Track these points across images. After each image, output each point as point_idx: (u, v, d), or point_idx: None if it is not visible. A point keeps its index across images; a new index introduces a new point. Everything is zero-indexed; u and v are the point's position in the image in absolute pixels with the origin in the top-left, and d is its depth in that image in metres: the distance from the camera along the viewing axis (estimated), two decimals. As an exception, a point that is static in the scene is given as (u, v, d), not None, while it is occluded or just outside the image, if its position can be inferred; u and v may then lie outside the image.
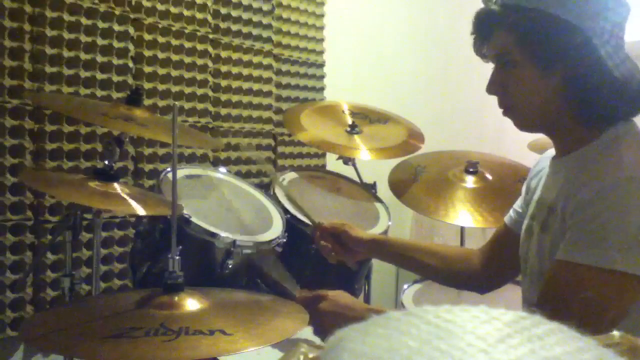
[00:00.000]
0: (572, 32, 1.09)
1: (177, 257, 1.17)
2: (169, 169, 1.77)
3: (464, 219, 2.04)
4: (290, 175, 2.14)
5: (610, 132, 1.14)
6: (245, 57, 2.45)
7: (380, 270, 3.21)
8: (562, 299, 1.08)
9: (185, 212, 1.59)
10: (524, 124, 1.23)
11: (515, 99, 1.20)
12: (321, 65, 2.84)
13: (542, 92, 1.16)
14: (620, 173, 1.07)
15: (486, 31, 1.20)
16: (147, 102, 2.07)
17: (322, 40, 2.84)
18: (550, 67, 1.13)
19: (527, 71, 1.15)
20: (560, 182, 1.18)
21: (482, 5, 1.21)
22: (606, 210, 1.05)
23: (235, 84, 2.42)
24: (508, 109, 1.23)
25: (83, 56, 1.90)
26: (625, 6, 1.12)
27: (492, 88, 1.22)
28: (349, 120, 2.31)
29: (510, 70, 1.18)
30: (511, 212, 1.46)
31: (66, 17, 1.85)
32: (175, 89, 2.18)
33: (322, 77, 2.85)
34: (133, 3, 2.04)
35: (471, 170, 2.14)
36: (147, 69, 2.10)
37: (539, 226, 1.22)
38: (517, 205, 1.44)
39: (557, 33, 1.10)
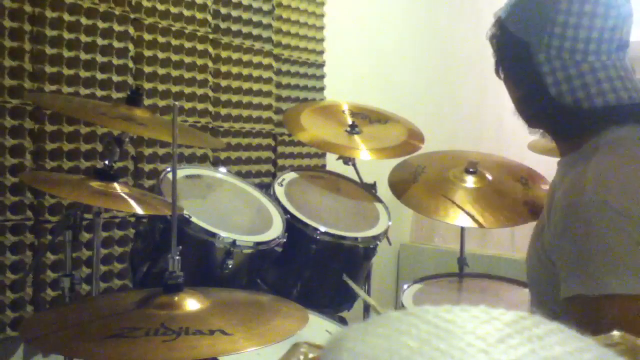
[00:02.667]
0: (517, 45, 1.13)
1: (177, 257, 1.17)
2: (169, 169, 1.77)
3: (464, 219, 2.04)
4: (290, 175, 2.14)
5: (590, 142, 1.13)
6: (245, 57, 2.45)
7: (380, 270, 3.22)
8: (590, 333, 1.05)
9: (185, 212, 1.59)
10: (525, 124, 1.27)
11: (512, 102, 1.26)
12: (321, 65, 2.84)
13: (515, 102, 1.23)
14: (579, 197, 1.05)
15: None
16: (147, 102, 2.07)
17: (322, 40, 2.84)
18: (511, 79, 1.20)
19: (504, 80, 1.23)
20: (553, 185, 1.21)
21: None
22: (576, 235, 1.04)
23: (235, 84, 2.42)
24: None
25: (83, 56, 1.90)
26: (600, 18, 1.08)
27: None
28: (349, 120, 2.31)
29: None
30: None
31: (66, 17, 1.85)
32: (175, 89, 2.18)
33: (322, 77, 2.85)
34: (133, 3, 2.04)
35: (471, 170, 2.13)
36: (147, 69, 2.10)
37: (535, 230, 1.23)
38: None
39: (508, 47, 1.17)
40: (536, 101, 1.15)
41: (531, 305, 1.29)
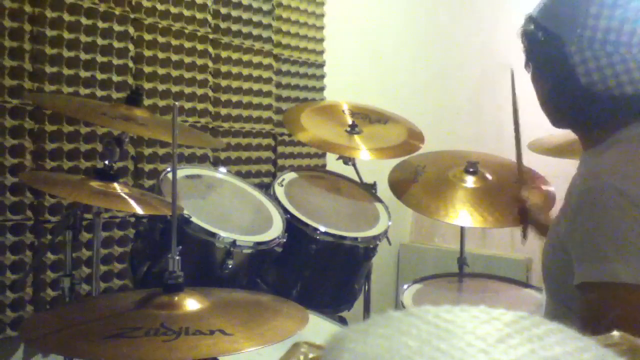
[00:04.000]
0: (549, 39, 1.16)
1: (177, 257, 1.17)
2: (169, 169, 1.77)
3: (464, 219, 2.04)
4: (290, 175, 2.14)
5: (617, 134, 1.16)
6: (245, 57, 2.45)
7: (380, 270, 3.21)
8: (596, 322, 1.05)
9: (185, 212, 1.59)
10: (550, 121, 1.29)
11: (537, 98, 1.28)
12: (321, 65, 2.84)
13: (544, 96, 1.25)
14: (594, 181, 1.08)
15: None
16: (147, 102, 2.07)
17: (322, 40, 2.84)
18: (541, 73, 1.23)
19: (533, 75, 1.25)
20: (573, 179, 1.22)
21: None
22: (589, 220, 1.06)
23: (235, 84, 2.42)
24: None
25: (83, 56, 1.90)
26: (633, 10, 1.11)
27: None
28: (349, 120, 2.31)
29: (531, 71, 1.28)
30: None
31: (66, 17, 1.85)
32: (175, 89, 2.18)
33: (322, 77, 2.85)
34: (133, 3, 2.04)
35: (471, 170, 2.14)
36: (147, 69, 2.10)
37: (551, 227, 1.24)
38: None
39: (538, 40, 1.19)
40: (567, 91, 1.17)
41: (546, 302, 1.29)
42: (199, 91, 2.26)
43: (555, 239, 1.17)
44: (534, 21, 1.21)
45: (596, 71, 1.12)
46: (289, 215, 1.89)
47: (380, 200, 2.21)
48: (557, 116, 1.26)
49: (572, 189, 1.16)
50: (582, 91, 1.14)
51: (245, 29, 2.44)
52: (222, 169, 2.07)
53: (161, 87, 2.13)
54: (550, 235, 1.24)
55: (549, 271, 1.22)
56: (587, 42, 1.12)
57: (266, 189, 2.05)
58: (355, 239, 1.95)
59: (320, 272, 1.97)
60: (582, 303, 1.08)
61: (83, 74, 1.90)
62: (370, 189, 2.27)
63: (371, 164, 2.45)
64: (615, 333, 0.47)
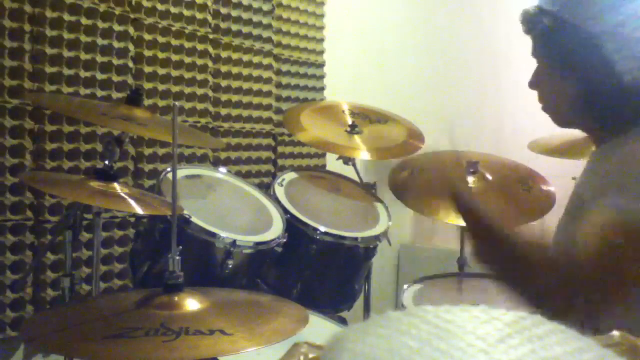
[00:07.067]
0: (581, 37, 1.13)
1: (177, 257, 1.17)
2: (169, 169, 1.77)
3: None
4: (290, 175, 2.14)
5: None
6: (245, 57, 2.45)
7: (380, 270, 3.21)
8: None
9: (185, 212, 1.59)
10: (555, 121, 1.29)
11: (546, 97, 1.26)
12: (321, 65, 2.84)
13: (563, 94, 1.22)
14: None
15: (526, 32, 1.26)
16: (147, 102, 2.07)
17: (322, 40, 2.84)
18: (566, 70, 1.18)
19: (550, 73, 1.22)
20: (591, 173, 1.22)
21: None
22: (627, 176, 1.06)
23: (235, 84, 2.42)
24: (543, 106, 1.28)
25: (83, 56, 1.90)
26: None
27: (530, 85, 1.29)
28: (349, 120, 2.31)
29: (540, 70, 1.25)
30: None
31: (66, 17, 1.85)
32: (175, 89, 2.18)
33: (322, 77, 2.85)
34: (133, 3, 2.04)
35: (471, 170, 2.14)
36: (147, 69, 2.10)
37: (568, 215, 1.24)
38: None
39: (566, 37, 1.15)
40: (604, 89, 1.15)
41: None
42: (199, 91, 2.26)
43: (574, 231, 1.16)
44: (555, 17, 1.17)
45: (638, 69, 1.11)
46: (289, 215, 1.89)
47: (380, 200, 2.21)
48: (578, 115, 1.23)
49: (590, 181, 1.15)
50: (624, 90, 1.12)
51: (245, 29, 2.44)
52: (222, 169, 2.07)
53: (161, 87, 2.13)
54: (565, 231, 1.23)
55: None
56: (621, 38, 1.10)
57: (266, 189, 2.05)
58: (355, 239, 1.95)
59: (320, 272, 1.97)
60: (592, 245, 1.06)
61: (83, 74, 1.90)
62: (370, 189, 2.27)
63: (371, 164, 2.45)
64: (616, 333, 0.47)
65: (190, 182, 1.85)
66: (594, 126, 1.24)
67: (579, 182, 1.27)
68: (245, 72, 2.45)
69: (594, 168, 1.23)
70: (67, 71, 1.86)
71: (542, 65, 1.23)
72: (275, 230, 1.81)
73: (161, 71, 2.13)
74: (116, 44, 1.98)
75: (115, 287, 2.01)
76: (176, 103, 1.19)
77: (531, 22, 1.20)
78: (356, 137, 2.25)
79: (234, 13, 2.39)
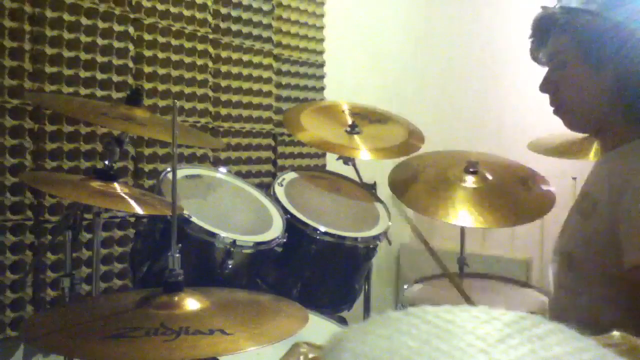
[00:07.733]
0: (621, 32, 1.13)
1: (177, 255, 1.17)
2: (169, 169, 1.77)
3: (464, 219, 2.03)
4: (290, 175, 2.14)
5: None
6: (245, 57, 2.45)
7: (380, 270, 3.22)
8: None
9: (185, 212, 1.59)
10: (573, 123, 1.28)
11: (568, 98, 1.25)
12: (321, 65, 2.84)
13: (593, 90, 1.21)
14: None
15: (544, 34, 1.25)
16: (147, 102, 2.07)
17: (322, 40, 2.84)
18: (602, 65, 1.18)
19: (580, 70, 1.21)
20: (604, 174, 1.21)
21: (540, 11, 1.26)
22: None
23: (235, 84, 2.42)
24: (559, 108, 1.27)
25: (83, 56, 1.90)
26: None
27: (544, 86, 1.27)
28: (349, 120, 2.31)
29: (563, 69, 1.23)
30: None
31: (66, 17, 1.85)
32: (175, 89, 2.18)
33: (322, 77, 2.85)
34: (133, 3, 2.04)
35: (471, 170, 2.13)
36: (147, 69, 2.10)
37: (579, 214, 1.24)
38: None
39: (607, 33, 1.15)
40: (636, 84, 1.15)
41: (553, 278, 1.29)
42: (199, 91, 2.26)
43: (593, 231, 1.17)
44: (582, 12, 1.17)
45: None
46: (289, 215, 1.89)
47: (380, 200, 2.21)
48: (597, 115, 1.23)
49: (614, 183, 1.15)
50: None
51: (245, 29, 2.44)
52: (222, 169, 2.07)
53: (161, 87, 2.13)
54: (575, 229, 1.24)
55: (583, 262, 1.22)
56: None
57: (266, 189, 2.05)
58: (356, 239, 1.95)
59: (320, 272, 1.97)
60: (632, 287, 1.08)
61: (83, 74, 1.90)
62: (370, 189, 2.27)
63: (371, 164, 2.45)
64: (616, 333, 0.47)
65: (190, 182, 1.85)
66: (622, 123, 1.23)
67: (591, 182, 1.27)
68: (245, 72, 2.45)
69: (610, 168, 1.22)
70: (67, 71, 1.86)
71: (573, 64, 1.22)
72: (275, 230, 1.81)
73: (161, 71, 2.13)
74: (116, 44, 1.98)
75: (115, 287, 2.01)
76: (176, 102, 1.19)
77: (566, 22, 1.19)
78: (356, 137, 2.25)
79: (234, 13, 2.39)
